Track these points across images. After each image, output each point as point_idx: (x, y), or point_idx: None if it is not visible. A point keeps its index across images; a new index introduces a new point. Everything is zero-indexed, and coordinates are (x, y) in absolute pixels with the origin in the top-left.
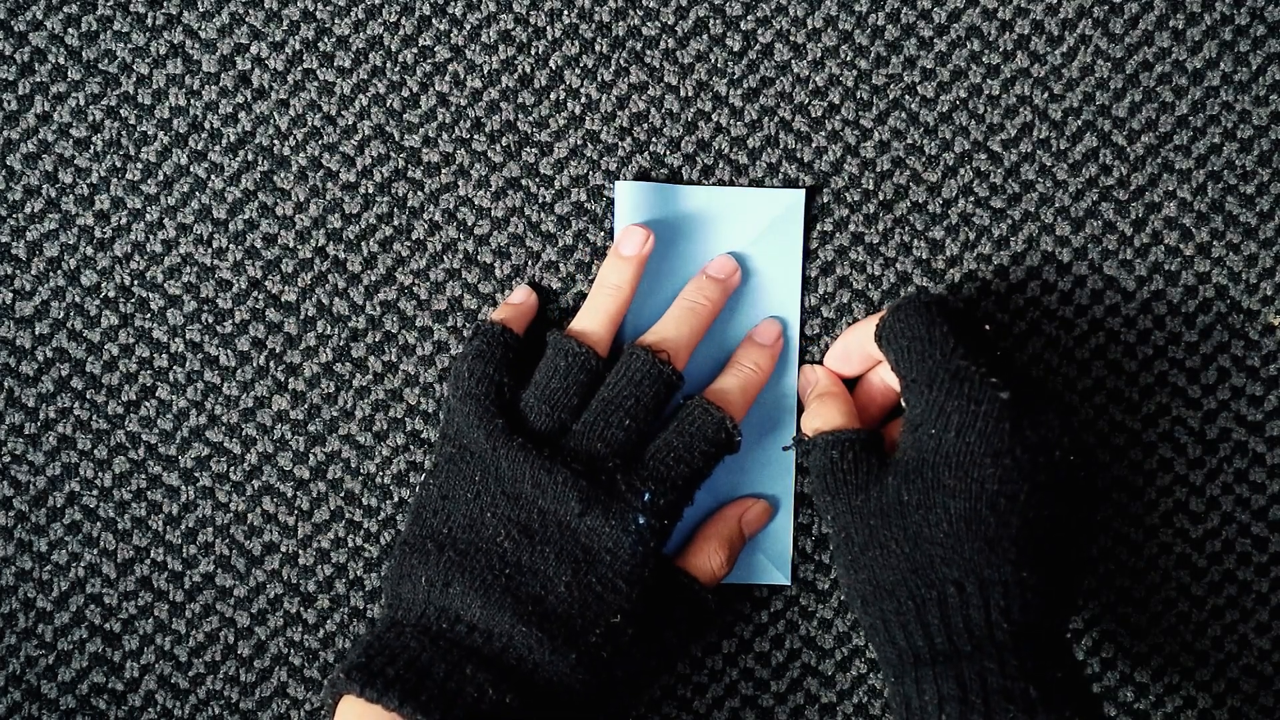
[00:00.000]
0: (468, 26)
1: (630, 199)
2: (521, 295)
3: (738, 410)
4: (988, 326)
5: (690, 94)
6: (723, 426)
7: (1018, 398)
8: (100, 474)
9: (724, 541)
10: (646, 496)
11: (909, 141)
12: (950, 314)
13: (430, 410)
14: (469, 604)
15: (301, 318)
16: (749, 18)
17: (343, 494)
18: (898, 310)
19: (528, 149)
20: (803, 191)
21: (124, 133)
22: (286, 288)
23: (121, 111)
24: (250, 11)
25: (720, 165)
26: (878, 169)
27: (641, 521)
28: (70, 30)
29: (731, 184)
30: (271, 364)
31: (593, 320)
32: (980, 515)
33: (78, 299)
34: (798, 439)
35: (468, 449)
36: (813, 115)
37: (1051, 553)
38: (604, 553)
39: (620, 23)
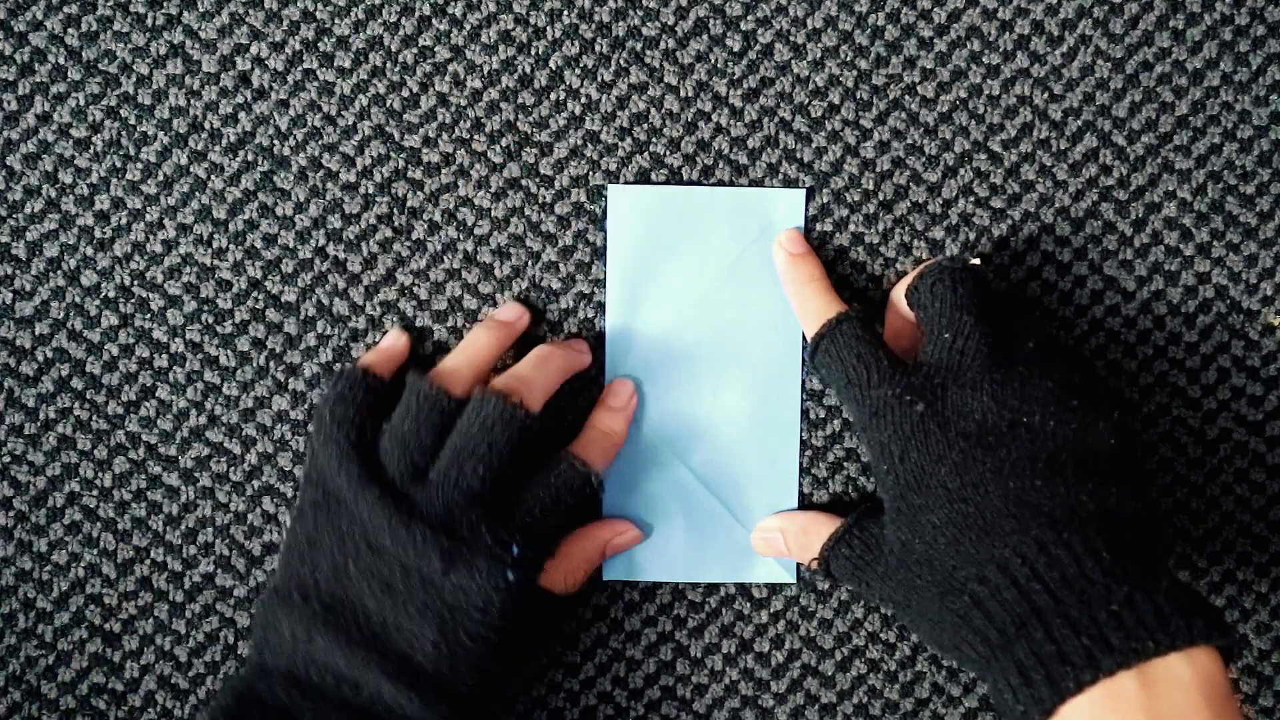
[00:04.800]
0: (468, 26)
1: (624, 203)
2: (391, 339)
3: (599, 467)
4: (976, 261)
5: (690, 94)
6: (588, 482)
7: (933, 405)
8: (100, 474)
9: (583, 560)
10: (515, 550)
11: (909, 141)
12: (866, 335)
13: None
14: (334, 659)
15: (301, 318)
16: (749, 18)
17: None
18: (826, 338)
19: (528, 149)
20: (803, 191)
21: (124, 133)
22: (286, 288)
23: (121, 111)
24: (250, 11)
25: (720, 165)
26: (878, 169)
27: (511, 577)
28: (70, 30)
29: (731, 184)
30: (271, 364)
31: (457, 361)
32: (959, 514)
33: (78, 299)
34: (809, 571)
35: (332, 495)
36: (813, 115)
37: (1066, 504)
38: (473, 610)
39: (620, 23)
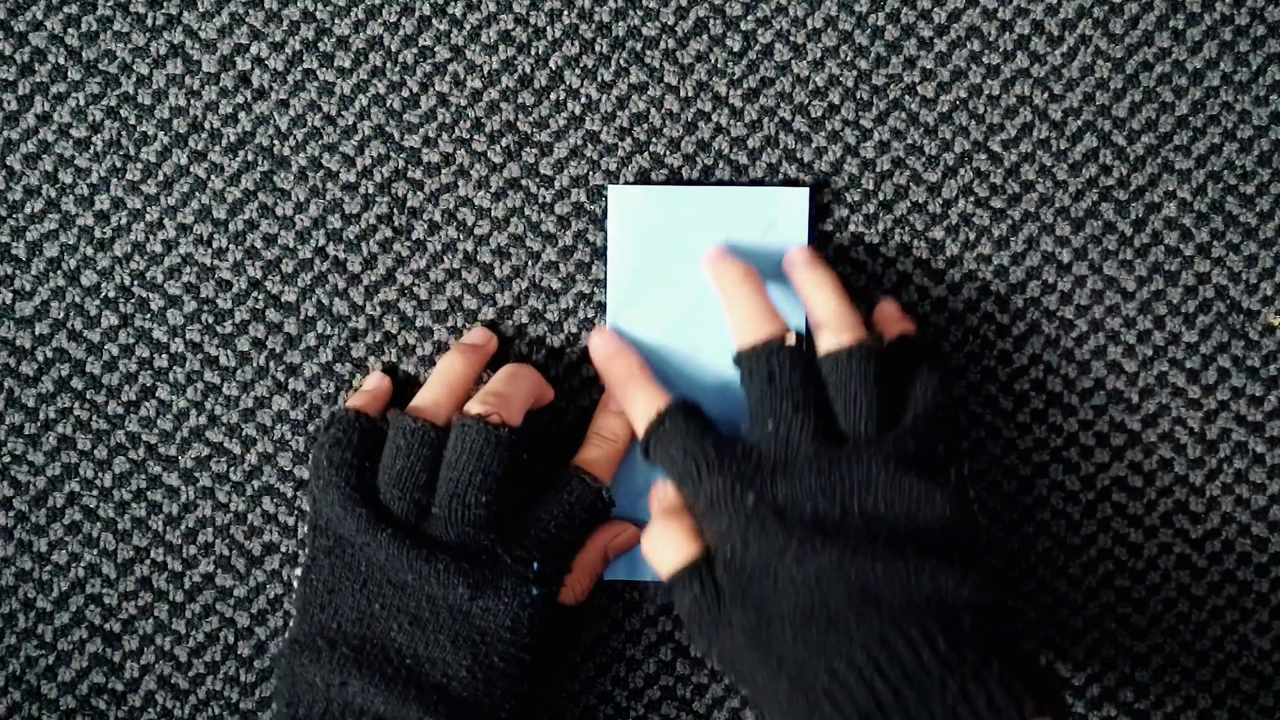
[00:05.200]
0: (468, 26)
1: (624, 203)
2: (374, 381)
3: (607, 479)
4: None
5: (690, 94)
6: (599, 496)
7: (763, 494)
8: (100, 474)
9: (587, 570)
10: (536, 566)
11: (909, 141)
12: (690, 427)
13: None
14: (370, 699)
15: (301, 318)
16: (749, 18)
17: None
18: (652, 438)
19: (528, 149)
20: (806, 190)
21: (124, 133)
22: (286, 288)
23: (121, 111)
24: (250, 11)
25: (720, 165)
26: (878, 169)
27: (535, 593)
28: (70, 30)
29: (732, 184)
30: (271, 364)
31: (435, 391)
32: (805, 606)
33: (78, 299)
34: (660, 591)
35: (344, 540)
36: (813, 115)
37: (904, 594)
38: (503, 630)
39: (620, 23)
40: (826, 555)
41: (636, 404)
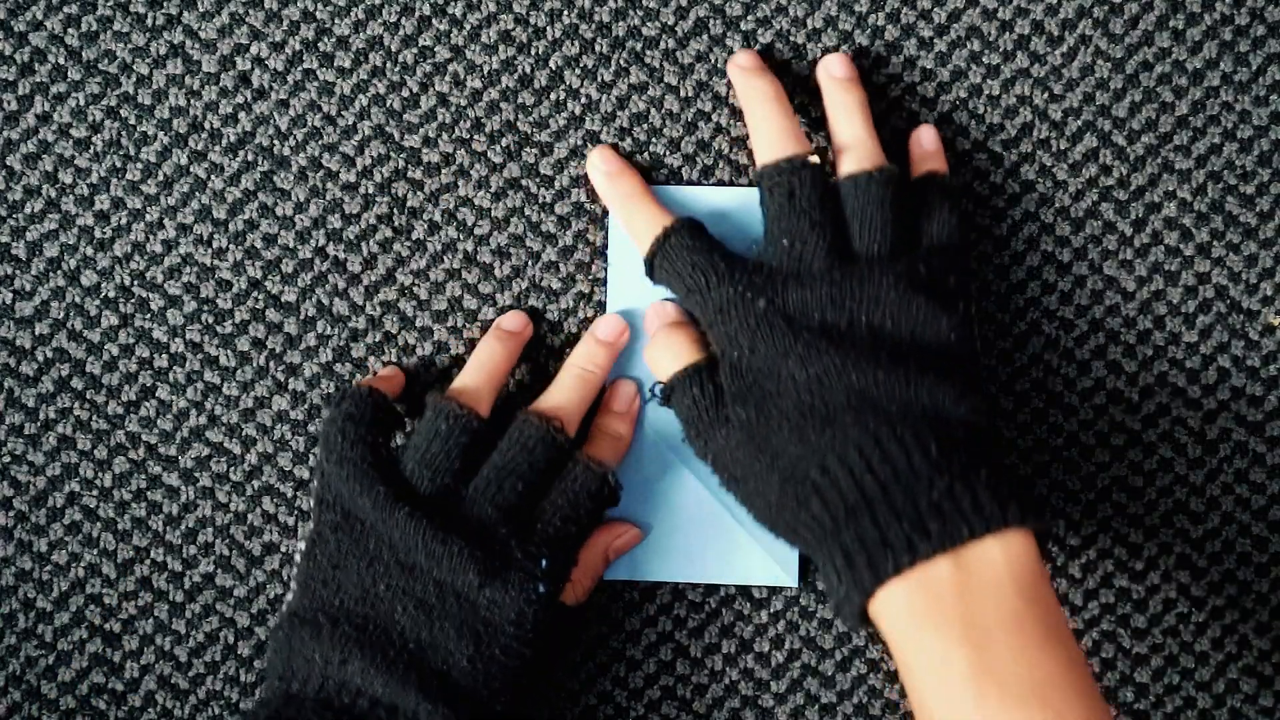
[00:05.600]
0: (468, 26)
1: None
2: (389, 373)
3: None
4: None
5: (690, 94)
6: (605, 483)
7: (774, 300)
8: (100, 474)
9: (590, 571)
10: (544, 563)
11: None
12: (697, 243)
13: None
14: (370, 681)
15: (301, 318)
16: (749, 18)
17: None
18: (659, 255)
19: (528, 149)
20: None
21: (124, 133)
22: (286, 288)
23: (121, 111)
24: (250, 11)
25: (720, 165)
26: None
27: (542, 590)
28: (70, 30)
29: (731, 184)
30: (271, 364)
31: (475, 379)
32: (805, 405)
33: (78, 299)
34: (660, 386)
35: (354, 516)
36: (813, 115)
37: (904, 400)
38: (507, 624)
39: (620, 23)
40: (830, 358)
41: (640, 221)
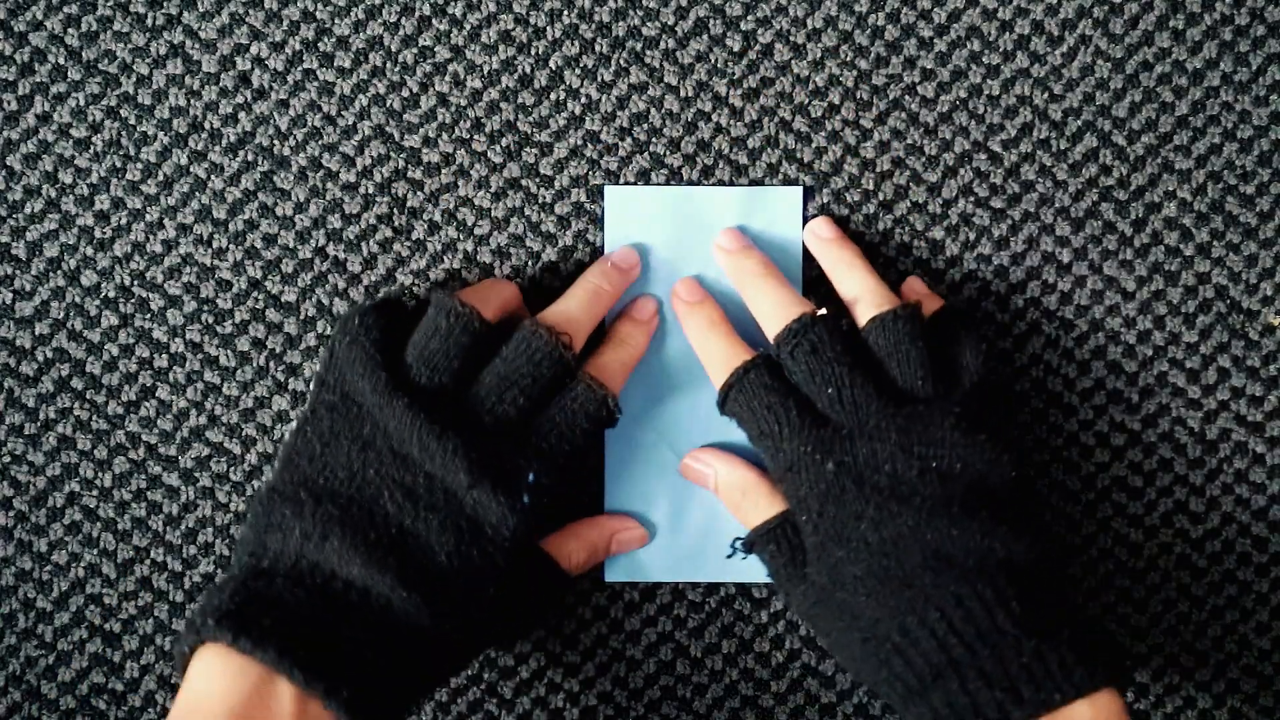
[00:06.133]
0: (468, 26)
1: (621, 203)
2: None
3: (617, 385)
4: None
5: (690, 94)
6: (604, 404)
7: (844, 461)
8: (100, 474)
9: (588, 545)
10: (531, 477)
11: (909, 141)
12: (775, 384)
13: None
14: (348, 561)
15: (301, 318)
16: (749, 18)
17: None
18: (735, 389)
19: (528, 149)
20: (799, 189)
21: (124, 133)
22: (286, 288)
23: (121, 111)
24: (250, 11)
25: (720, 165)
26: (878, 169)
27: (526, 500)
28: (70, 30)
29: (731, 184)
30: (271, 364)
31: (481, 288)
32: (880, 568)
33: (78, 299)
34: (740, 542)
35: (352, 399)
36: (813, 115)
37: (967, 566)
38: (488, 527)
39: (620, 23)
40: (903, 520)
41: (717, 353)
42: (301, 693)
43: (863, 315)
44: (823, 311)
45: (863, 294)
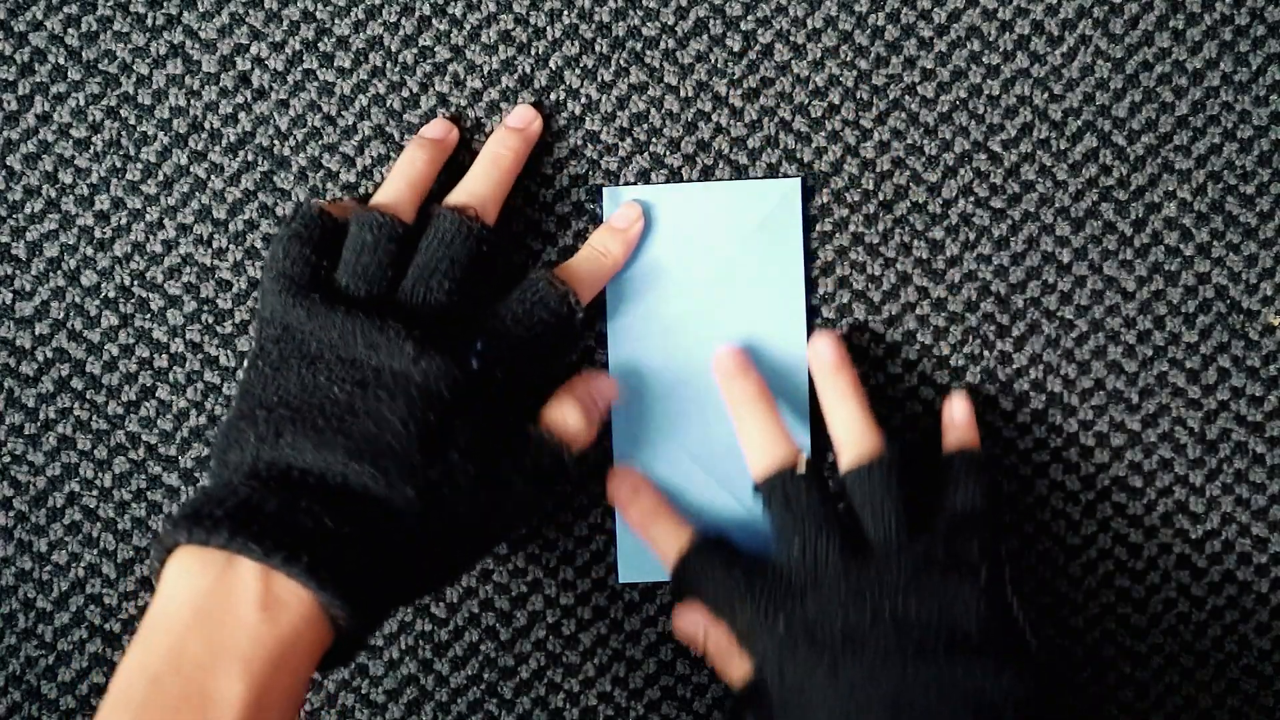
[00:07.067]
0: (468, 26)
1: (619, 204)
2: (345, 197)
3: (584, 290)
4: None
5: (690, 94)
6: (565, 300)
7: (792, 617)
8: (100, 474)
9: (572, 396)
10: (479, 345)
11: (909, 141)
12: (718, 557)
13: None
14: (300, 449)
15: None
16: (749, 18)
17: None
18: (679, 574)
19: None
20: (798, 180)
21: (124, 133)
22: None
23: (121, 111)
24: (250, 11)
25: (720, 165)
26: (878, 169)
27: (475, 365)
28: (70, 30)
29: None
30: None
31: (396, 187)
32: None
33: (78, 299)
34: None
35: (293, 328)
36: (813, 115)
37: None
38: (443, 390)
39: (620, 23)
40: (856, 669)
41: (661, 540)
42: (263, 568)
43: (844, 463)
44: (802, 465)
45: (848, 438)
